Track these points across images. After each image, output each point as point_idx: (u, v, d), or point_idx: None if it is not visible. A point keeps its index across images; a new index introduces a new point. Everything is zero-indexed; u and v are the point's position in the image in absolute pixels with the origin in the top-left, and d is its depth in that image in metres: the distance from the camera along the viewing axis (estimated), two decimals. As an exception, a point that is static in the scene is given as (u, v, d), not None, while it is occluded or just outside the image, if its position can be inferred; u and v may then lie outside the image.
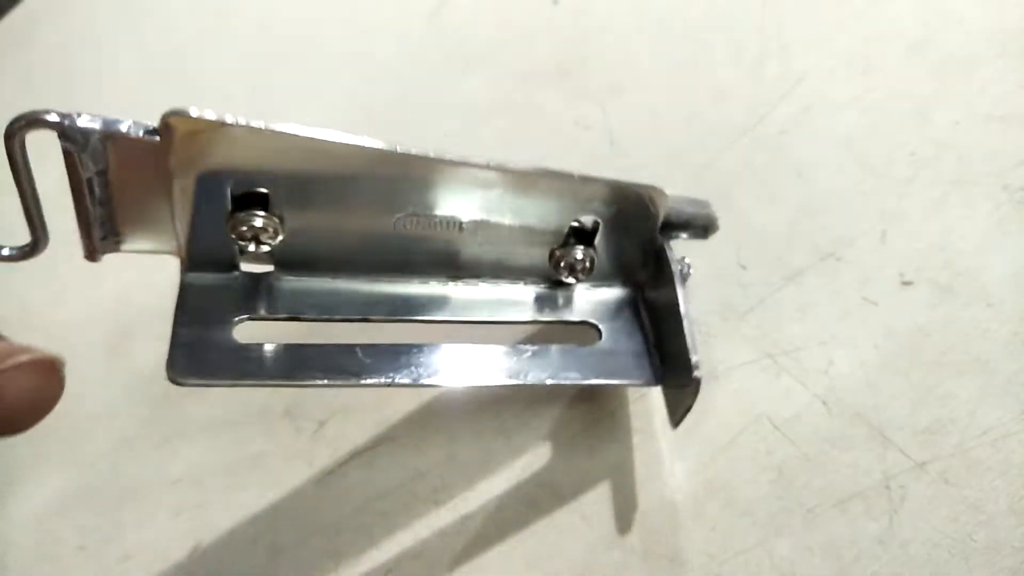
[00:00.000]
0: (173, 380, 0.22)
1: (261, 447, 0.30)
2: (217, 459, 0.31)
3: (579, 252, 0.24)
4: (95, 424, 0.31)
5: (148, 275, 0.29)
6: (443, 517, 0.26)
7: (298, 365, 0.23)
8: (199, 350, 0.23)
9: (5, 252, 0.20)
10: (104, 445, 0.31)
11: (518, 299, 0.25)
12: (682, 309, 0.22)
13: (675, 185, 0.28)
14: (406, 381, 0.23)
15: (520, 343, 0.24)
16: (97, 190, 0.21)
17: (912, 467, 0.22)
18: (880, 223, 0.25)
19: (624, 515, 0.24)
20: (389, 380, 0.23)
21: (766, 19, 0.31)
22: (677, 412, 0.23)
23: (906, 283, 0.24)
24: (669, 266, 0.23)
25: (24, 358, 0.19)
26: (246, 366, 0.23)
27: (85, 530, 0.30)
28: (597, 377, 0.23)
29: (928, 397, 0.23)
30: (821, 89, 0.27)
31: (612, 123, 0.30)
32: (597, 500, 0.25)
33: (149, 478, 0.30)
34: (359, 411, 0.30)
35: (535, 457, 0.26)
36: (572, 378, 0.23)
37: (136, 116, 0.20)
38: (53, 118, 0.19)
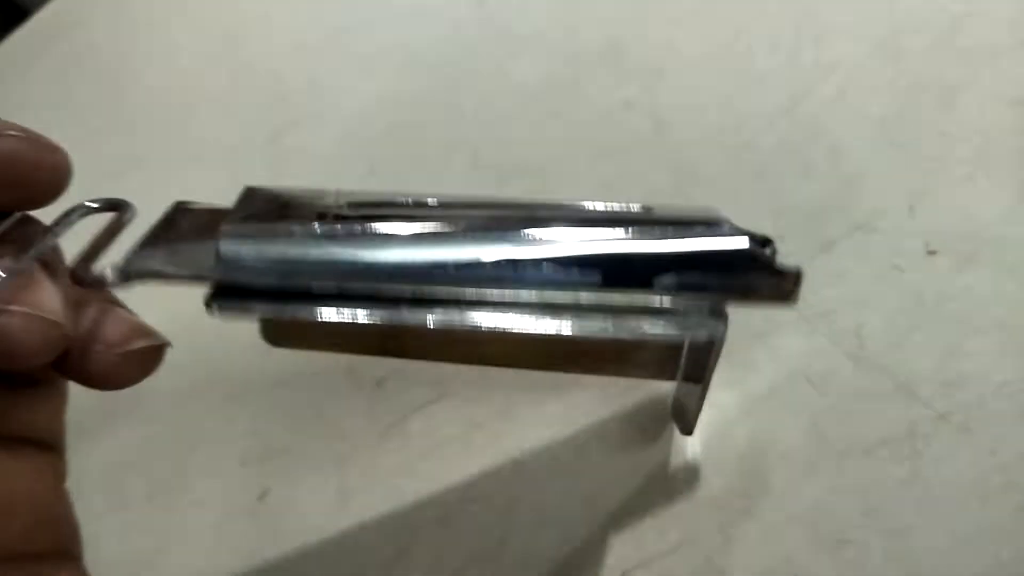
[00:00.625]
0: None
1: (324, 402, 0.33)
2: (282, 413, 0.33)
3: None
4: (163, 378, 0.33)
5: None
6: (499, 464, 0.29)
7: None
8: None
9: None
10: (171, 399, 0.33)
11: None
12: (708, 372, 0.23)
13: (714, 165, 0.30)
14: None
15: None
16: None
17: (935, 417, 0.24)
18: (908, 198, 0.27)
19: (668, 460, 0.27)
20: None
21: (802, 9, 0.33)
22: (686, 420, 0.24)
23: (931, 252, 0.26)
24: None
25: (140, 344, 0.20)
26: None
27: (154, 480, 0.32)
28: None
29: (950, 355, 0.25)
30: (855, 74, 0.30)
31: (656, 104, 0.32)
32: (645, 447, 0.27)
33: (216, 430, 0.32)
34: (416, 369, 0.32)
35: (587, 409, 0.28)
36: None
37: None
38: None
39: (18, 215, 0.20)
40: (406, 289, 0.21)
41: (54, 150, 0.19)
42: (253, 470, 0.32)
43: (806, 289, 0.27)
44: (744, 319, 0.28)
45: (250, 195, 0.23)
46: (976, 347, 0.25)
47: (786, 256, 0.28)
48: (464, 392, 0.31)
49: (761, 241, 0.21)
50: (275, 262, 0.21)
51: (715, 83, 0.32)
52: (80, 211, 0.20)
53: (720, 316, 0.21)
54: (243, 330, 0.26)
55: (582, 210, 0.22)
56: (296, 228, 0.21)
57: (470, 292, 0.21)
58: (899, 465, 0.24)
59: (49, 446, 0.21)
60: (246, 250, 0.21)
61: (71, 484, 0.21)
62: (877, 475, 0.24)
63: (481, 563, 0.28)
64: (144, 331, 0.20)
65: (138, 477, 0.33)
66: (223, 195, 0.31)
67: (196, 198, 0.31)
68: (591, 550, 0.26)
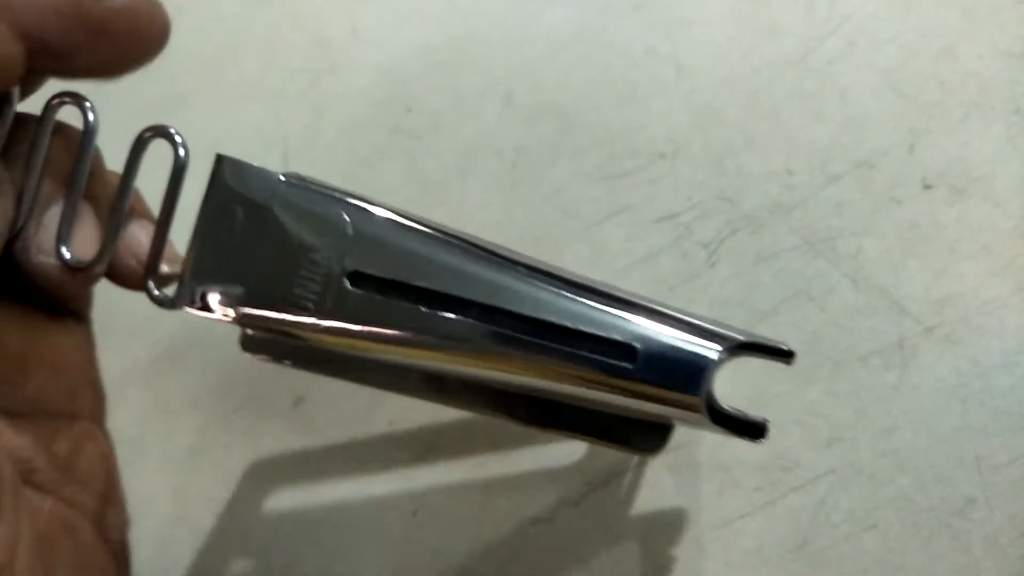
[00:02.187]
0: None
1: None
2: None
3: None
4: (207, 333, 0.35)
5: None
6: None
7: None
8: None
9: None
10: (218, 355, 0.35)
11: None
12: None
13: (732, 108, 0.33)
14: None
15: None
16: None
17: (923, 330, 0.27)
18: (908, 138, 0.30)
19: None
20: None
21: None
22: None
23: (927, 186, 0.29)
24: None
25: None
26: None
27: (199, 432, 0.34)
28: None
29: (940, 276, 0.27)
30: (864, 27, 0.32)
31: (678, 52, 0.35)
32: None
33: (266, 392, 0.34)
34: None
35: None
36: None
37: None
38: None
39: None
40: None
41: (163, 11, 0.20)
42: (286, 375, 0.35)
43: (812, 218, 0.30)
44: (750, 245, 0.30)
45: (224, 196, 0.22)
46: (964, 270, 0.27)
47: (793, 191, 0.30)
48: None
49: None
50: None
51: (736, 34, 0.34)
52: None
53: None
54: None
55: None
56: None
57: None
58: (889, 372, 0.27)
59: (83, 317, 0.24)
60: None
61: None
62: (868, 381, 0.27)
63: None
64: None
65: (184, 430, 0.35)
66: (265, 135, 0.34)
67: (239, 138, 0.33)
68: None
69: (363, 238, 0.22)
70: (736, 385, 0.28)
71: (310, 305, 0.22)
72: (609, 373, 0.21)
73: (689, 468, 0.28)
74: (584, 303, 0.22)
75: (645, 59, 0.35)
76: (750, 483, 0.27)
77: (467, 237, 0.23)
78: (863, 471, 0.26)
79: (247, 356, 0.26)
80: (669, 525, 0.27)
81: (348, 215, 0.22)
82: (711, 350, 0.22)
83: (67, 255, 0.21)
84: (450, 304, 0.22)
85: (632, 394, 0.22)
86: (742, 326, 0.29)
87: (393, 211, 0.23)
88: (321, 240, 0.22)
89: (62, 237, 0.21)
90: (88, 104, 0.22)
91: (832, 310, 0.28)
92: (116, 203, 0.22)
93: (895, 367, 0.27)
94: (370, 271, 0.22)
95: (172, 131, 0.22)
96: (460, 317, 0.22)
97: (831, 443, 0.27)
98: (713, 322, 0.22)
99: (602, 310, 0.22)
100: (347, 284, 0.22)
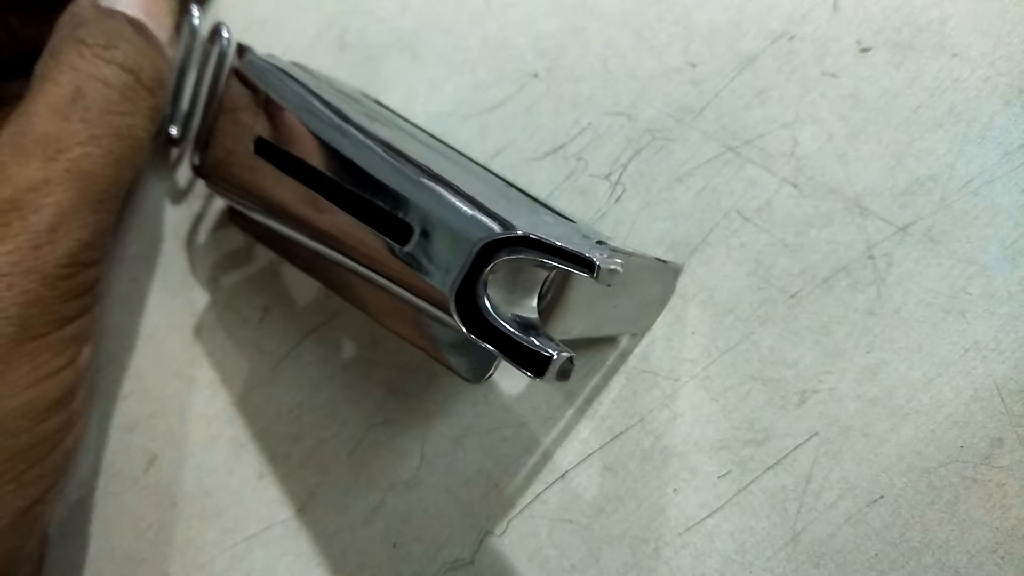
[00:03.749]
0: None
1: (205, 345, 0.28)
2: (165, 364, 0.29)
3: None
4: None
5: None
6: (410, 380, 0.25)
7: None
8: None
9: None
10: None
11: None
12: None
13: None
14: None
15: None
16: None
17: (894, 232, 0.21)
18: (831, -8, 0.23)
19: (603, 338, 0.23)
20: None
21: None
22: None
23: (864, 49, 0.22)
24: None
25: None
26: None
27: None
28: None
29: (903, 158, 0.21)
30: None
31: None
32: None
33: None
34: (304, 293, 0.28)
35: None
36: None
37: None
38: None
39: None
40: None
41: None
42: (139, 437, 0.28)
43: (730, 118, 0.23)
44: (660, 165, 0.24)
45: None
46: (930, 145, 0.21)
47: (700, 87, 0.24)
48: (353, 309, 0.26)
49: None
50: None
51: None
52: None
53: None
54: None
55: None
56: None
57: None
58: (861, 293, 0.21)
59: None
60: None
61: None
62: (837, 310, 0.21)
63: (403, 489, 0.24)
64: None
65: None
66: None
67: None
68: (524, 457, 0.23)
69: (270, 111, 0.23)
70: (674, 340, 0.22)
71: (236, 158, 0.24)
72: (382, 248, 0.19)
73: (632, 460, 0.21)
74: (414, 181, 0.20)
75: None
76: (713, 468, 0.21)
77: (355, 117, 0.22)
78: (852, 428, 0.20)
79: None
80: (618, 539, 0.21)
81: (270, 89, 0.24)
82: (471, 241, 0.18)
83: None
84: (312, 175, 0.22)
85: (401, 282, 0.19)
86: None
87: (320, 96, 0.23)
88: (248, 111, 0.24)
89: None
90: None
91: (775, 228, 0.22)
92: None
93: (868, 286, 0.21)
94: (268, 137, 0.23)
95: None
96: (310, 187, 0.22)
97: (804, 399, 0.20)
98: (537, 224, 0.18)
99: (396, 191, 0.20)
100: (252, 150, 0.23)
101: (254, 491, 0.25)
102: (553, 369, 0.16)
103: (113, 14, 0.26)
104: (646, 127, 0.24)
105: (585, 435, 0.22)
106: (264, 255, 0.29)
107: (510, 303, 0.18)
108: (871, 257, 0.21)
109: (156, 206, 0.30)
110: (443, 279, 0.18)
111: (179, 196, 0.31)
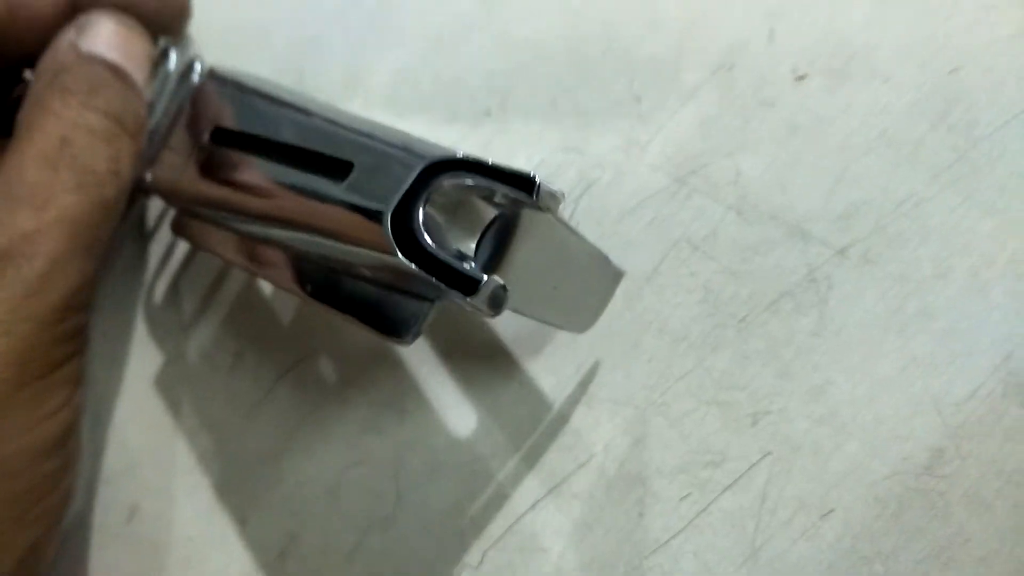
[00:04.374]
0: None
1: (180, 394, 0.29)
2: (141, 415, 0.29)
3: None
4: None
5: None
6: (382, 417, 0.25)
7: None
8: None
9: None
10: None
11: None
12: None
13: (553, 36, 0.27)
14: None
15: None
16: None
17: (833, 255, 0.22)
18: (766, 23, 0.24)
19: (560, 369, 0.24)
20: None
21: None
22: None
23: (799, 77, 0.23)
24: None
25: None
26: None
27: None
28: None
29: (839, 183, 0.22)
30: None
31: (480, -17, 0.29)
32: (534, 362, 0.24)
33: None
34: (275, 335, 0.28)
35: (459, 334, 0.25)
36: None
37: None
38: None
39: None
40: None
41: None
42: (118, 487, 0.28)
43: (675, 149, 0.24)
44: (611, 197, 0.25)
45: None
46: (864, 169, 0.22)
47: (645, 120, 0.25)
48: (327, 348, 0.27)
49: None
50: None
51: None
52: None
53: None
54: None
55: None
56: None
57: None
58: (805, 316, 0.22)
59: None
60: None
61: None
62: (784, 332, 0.22)
63: (381, 527, 0.24)
64: None
65: None
66: None
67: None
68: (495, 489, 0.23)
69: (228, 107, 0.25)
70: (632, 368, 0.23)
71: (179, 165, 0.25)
72: (320, 191, 0.20)
73: (598, 488, 0.22)
74: (325, 128, 0.22)
75: None
76: (674, 492, 0.22)
77: (297, 100, 0.24)
78: (802, 446, 0.21)
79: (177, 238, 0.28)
80: (588, 565, 0.22)
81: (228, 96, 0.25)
82: (411, 165, 0.18)
83: None
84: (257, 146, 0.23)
85: (336, 225, 0.19)
86: (623, 300, 0.23)
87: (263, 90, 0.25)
88: (204, 114, 0.26)
89: None
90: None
91: (722, 255, 0.23)
92: None
93: (811, 308, 0.22)
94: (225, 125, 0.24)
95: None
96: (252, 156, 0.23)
97: (757, 419, 0.21)
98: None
99: (333, 132, 0.21)
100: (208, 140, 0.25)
101: (237, 536, 0.26)
102: (485, 291, 0.17)
103: (94, 60, 0.26)
104: (596, 161, 0.25)
105: (552, 465, 0.23)
106: (230, 297, 0.29)
107: (447, 241, 0.18)
108: (813, 280, 0.22)
109: (124, 253, 0.31)
110: (376, 209, 0.18)
111: (145, 243, 0.31)
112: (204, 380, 0.29)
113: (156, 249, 0.31)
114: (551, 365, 0.24)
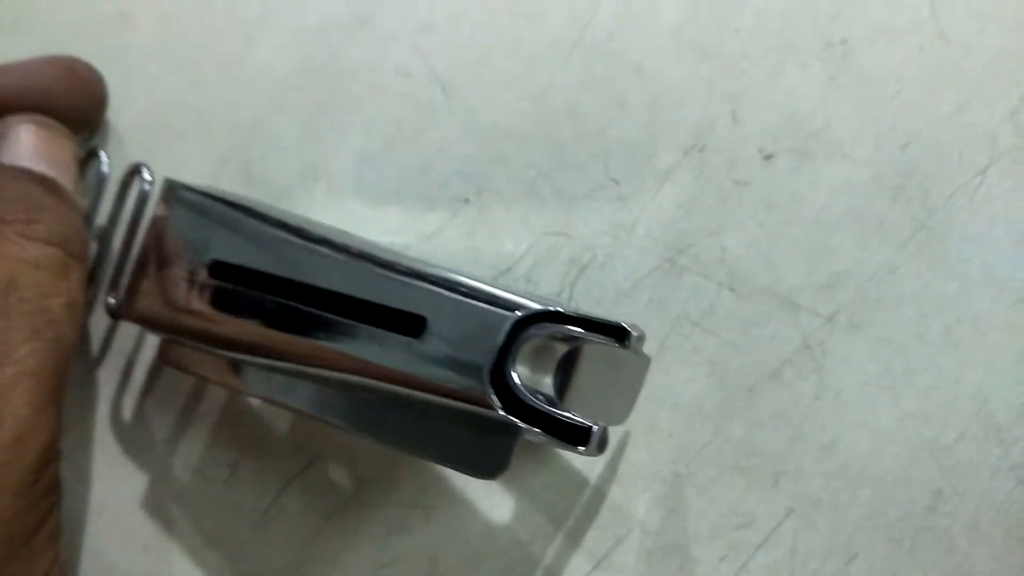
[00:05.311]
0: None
1: (173, 513, 0.28)
2: (129, 539, 0.28)
3: None
4: None
5: None
6: (408, 517, 0.26)
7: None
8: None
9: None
10: None
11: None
12: None
13: (522, 120, 0.27)
14: None
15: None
16: None
17: (823, 323, 0.24)
18: (727, 105, 0.26)
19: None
20: None
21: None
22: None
23: (767, 157, 0.26)
24: None
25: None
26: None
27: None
28: None
29: (818, 255, 0.25)
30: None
31: (435, 66, 0.29)
32: (544, 458, 0.25)
33: None
34: (271, 441, 0.28)
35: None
36: None
37: None
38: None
39: None
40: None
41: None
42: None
43: (661, 230, 0.26)
44: (606, 280, 0.26)
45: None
46: (838, 241, 0.25)
47: (627, 203, 0.26)
48: (334, 451, 0.27)
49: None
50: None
51: (489, 27, 0.28)
52: None
53: None
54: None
55: None
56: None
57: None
58: (806, 381, 0.24)
59: None
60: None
61: None
62: (788, 398, 0.24)
63: (429, 629, 0.25)
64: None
65: None
66: None
67: None
68: (541, 572, 0.25)
69: (224, 234, 0.24)
70: (654, 444, 0.24)
71: (180, 299, 0.24)
72: (389, 348, 0.20)
73: (640, 561, 0.24)
74: (388, 277, 0.21)
75: (397, 82, 0.29)
76: (712, 554, 0.24)
77: (314, 230, 0.23)
78: (822, 500, 0.23)
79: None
80: (644, 635, 0.24)
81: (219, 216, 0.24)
82: (500, 319, 0.19)
83: None
84: (286, 288, 0.22)
85: (411, 380, 0.20)
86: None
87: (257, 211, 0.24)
88: (196, 240, 0.24)
89: None
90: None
91: (722, 330, 0.25)
92: None
93: (811, 373, 0.24)
94: (225, 259, 0.23)
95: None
96: (292, 301, 0.22)
97: (777, 480, 0.24)
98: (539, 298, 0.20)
99: (400, 282, 0.21)
100: (207, 275, 0.24)
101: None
102: (595, 439, 0.18)
103: (19, 175, 0.25)
104: (585, 244, 0.26)
105: (591, 545, 0.24)
106: (212, 408, 0.28)
107: (532, 383, 0.19)
108: (808, 347, 0.24)
109: (81, 376, 0.29)
110: (465, 365, 0.19)
111: (96, 361, 0.30)
112: (198, 495, 0.28)
113: (109, 370, 0.29)
114: (579, 465, 0.25)
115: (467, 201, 0.27)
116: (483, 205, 0.27)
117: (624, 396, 0.23)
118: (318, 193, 0.29)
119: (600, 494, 0.25)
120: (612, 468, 0.25)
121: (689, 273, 0.25)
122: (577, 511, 0.25)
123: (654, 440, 0.25)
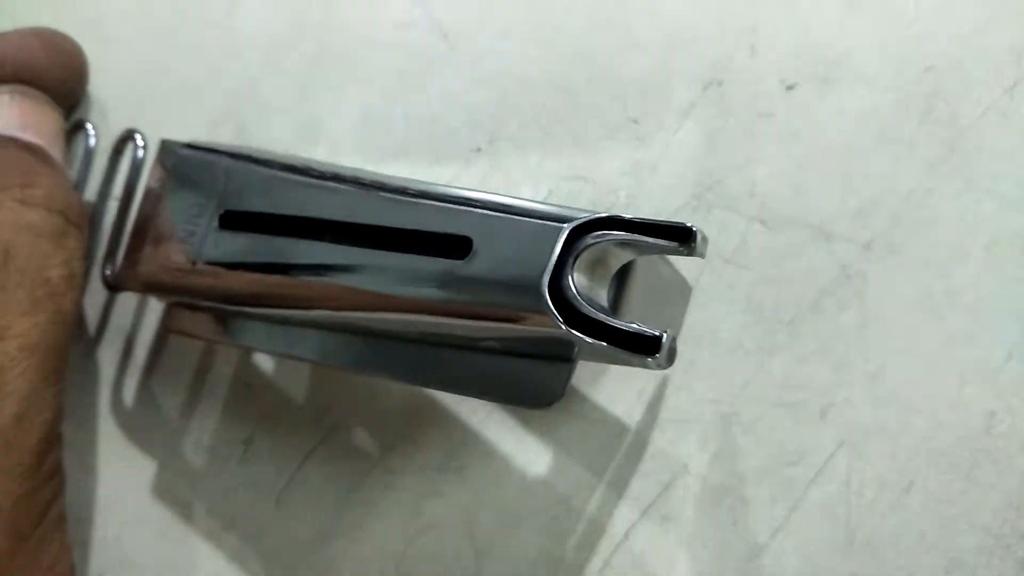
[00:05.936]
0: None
1: (187, 496, 0.26)
2: (142, 526, 0.26)
3: None
4: None
5: None
6: (439, 480, 0.25)
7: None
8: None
9: None
10: None
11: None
12: None
13: (533, 64, 0.27)
14: None
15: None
16: None
17: (860, 250, 0.24)
18: (745, 38, 0.25)
19: (622, 398, 0.24)
20: None
21: None
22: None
23: (789, 87, 0.25)
24: None
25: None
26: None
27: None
28: None
29: (848, 183, 0.24)
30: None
31: (435, 15, 0.28)
32: (593, 393, 0.24)
33: None
34: (286, 412, 0.26)
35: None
36: None
37: None
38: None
39: None
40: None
41: None
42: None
43: (685, 167, 0.25)
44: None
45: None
46: (869, 167, 0.24)
47: (647, 142, 0.25)
48: (356, 417, 0.26)
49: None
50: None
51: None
52: None
53: None
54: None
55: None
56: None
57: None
58: (847, 311, 0.23)
59: None
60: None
61: None
62: (831, 328, 0.23)
63: (471, 594, 0.24)
64: None
65: None
66: None
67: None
68: (585, 526, 0.24)
69: (232, 184, 0.23)
70: (694, 385, 0.24)
71: (190, 254, 0.22)
72: (431, 275, 0.18)
73: (686, 506, 0.23)
74: (422, 204, 0.20)
75: (396, 35, 0.28)
76: (764, 495, 0.23)
77: (327, 168, 0.22)
78: (871, 430, 0.23)
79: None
80: (698, 583, 0.23)
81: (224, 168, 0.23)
82: (554, 229, 0.17)
83: None
84: (307, 229, 0.21)
85: (458, 307, 0.18)
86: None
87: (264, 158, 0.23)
88: (201, 195, 0.23)
89: None
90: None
91: (756, 264, 0.24)
92: None
93: (852, 302, 0.23)
94: (236, 208, 0.22)
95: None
96: (316, 241, 0.21)
97: (825, 413, 0.23)
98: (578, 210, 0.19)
99: (439, 207, 0.19)
100: (217, 226, 0.22)
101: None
102: (665, 348, 0.17)
103: (7, 142, 0.23)
104: (607, 187, 0.25)
105: (636, 493, 0.23)
106: (221, 382, 0.27)
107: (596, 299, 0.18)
108: (847, 276, 0.24)
109: (79, 357, 0.28)
110: (519, 282, 0.17)
111: (95, 341, 0.28)
112: (213, 475, 0.26)
113: (107, 350, 0.28)
114: (611, 396, 0.24)
115: (479, 150, 0.26)
116: (496, 153, 0.26)
117: (670, 327, 0.22)
118: (319, 153, 0.28)
119: (641, 441, 0.24)
120: (652, 413, 0.24)
121: (717, 209, 0.25)
122: (618, 460, 0.24)
123: (694, 381, 0.24)
